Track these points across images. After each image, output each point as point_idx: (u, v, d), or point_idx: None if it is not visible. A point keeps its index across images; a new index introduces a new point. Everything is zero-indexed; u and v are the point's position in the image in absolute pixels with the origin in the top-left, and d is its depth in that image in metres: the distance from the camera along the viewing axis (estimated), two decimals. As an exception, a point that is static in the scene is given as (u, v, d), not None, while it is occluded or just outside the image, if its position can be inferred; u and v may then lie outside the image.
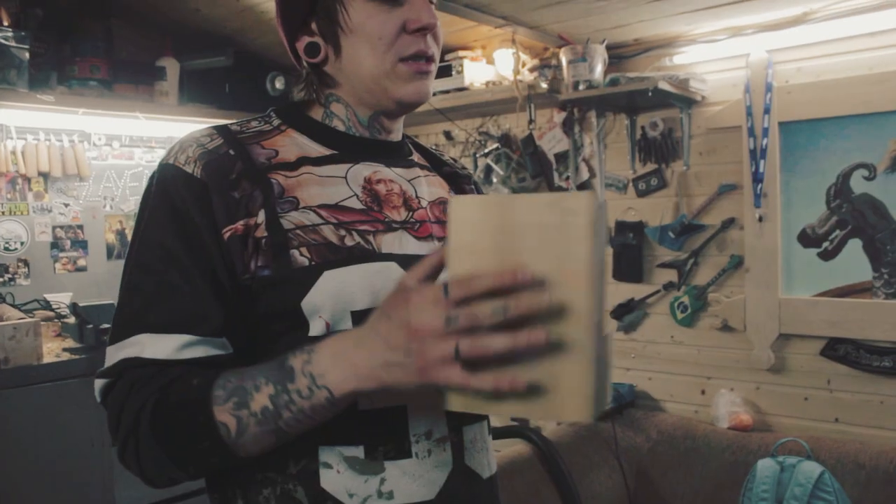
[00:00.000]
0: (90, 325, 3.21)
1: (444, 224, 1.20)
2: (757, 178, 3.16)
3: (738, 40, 3.19)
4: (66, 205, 3.66)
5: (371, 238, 1.09)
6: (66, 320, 3.41)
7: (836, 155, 3.05)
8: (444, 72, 3.55)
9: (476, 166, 3.85)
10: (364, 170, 1.14)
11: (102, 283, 3.73)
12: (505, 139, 3.82)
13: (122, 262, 3.80)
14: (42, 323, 3.14)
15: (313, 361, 0.94)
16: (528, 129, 3.60)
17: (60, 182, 3.63)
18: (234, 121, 1.16)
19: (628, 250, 3.51)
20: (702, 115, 3.33)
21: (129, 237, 3.75)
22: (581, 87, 3.21)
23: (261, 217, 1.03)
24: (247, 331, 1.05)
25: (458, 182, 1.33)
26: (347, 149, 1.15)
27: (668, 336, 3.48)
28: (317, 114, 1.18)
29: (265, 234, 1.03)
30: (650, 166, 3.48)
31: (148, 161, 3.93)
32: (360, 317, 1.01)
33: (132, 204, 3.86)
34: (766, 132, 3.13)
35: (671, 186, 3.44)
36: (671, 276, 3.42)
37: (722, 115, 3.28)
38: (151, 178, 1.09)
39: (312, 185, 1.09)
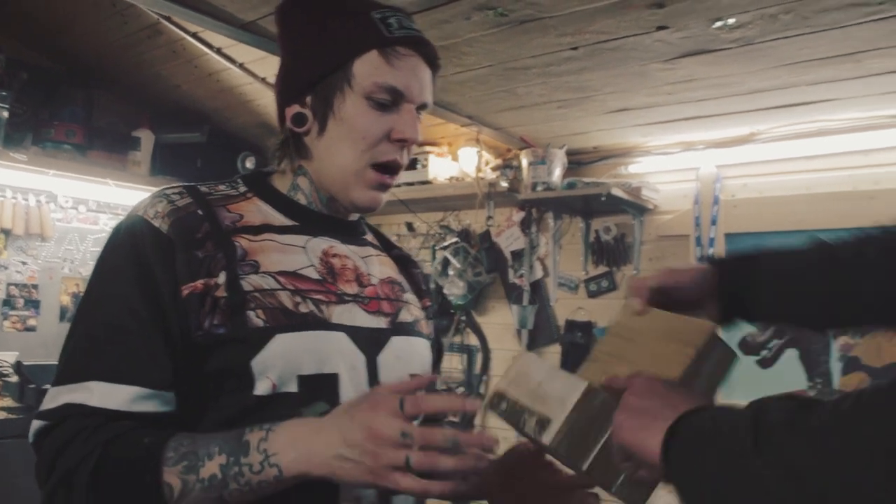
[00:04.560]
0: (32, 385, 3.17)
1: (392, 301, 1.28)
2: (702, 286, 3.29)
3: (690, 154, 3.38)
4: (24, 263, 3.67)
5: (324, 307, 1.14)
6: (7, 379, 3.37)
7: (776, 268, 3.19)
8: (410, 165, 3.67)
9: (434, 258, 3.95)
10: (322, 243, 1.21)
11: (51, 344, 3.70)
12: (464, 234, 3.94)
13: (73, 327, 3.81)
14: (-19, 381, 3.11)
15: (270, 440, 0.97)
16: (486, 225, 3.73)
17: (21, 240, 3.65)
18: (204, 183, 1.22)
19: (576, 349, 3.59)
20: (653, 222, 3.49)
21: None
22: (539, 188, 3.36)
23: (221, 278, 1.07)
24: (191, 388, 1.06)
25: (407, 266, 1.41)
26: (308, 222, 1.22)
27: (612, 436, 3.52)
28: (282, 185, 1.24)
29: (224, 294, 1.06)
30: (602, 269, 3.61)
31: (113, 227, 3.97)
32: (305, 381, 1.07)
33: (91, 268, 3.88)
34: (712, 242, 3.29)
35: (621, 289, 3.55)
36: (617, 375, 3.49)
37: (672, 223, 3.44)
38: (119, 227, 1.13)
39: (273, 252, 1.14)
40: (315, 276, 1.17)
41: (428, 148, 3.75)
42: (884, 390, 0.70)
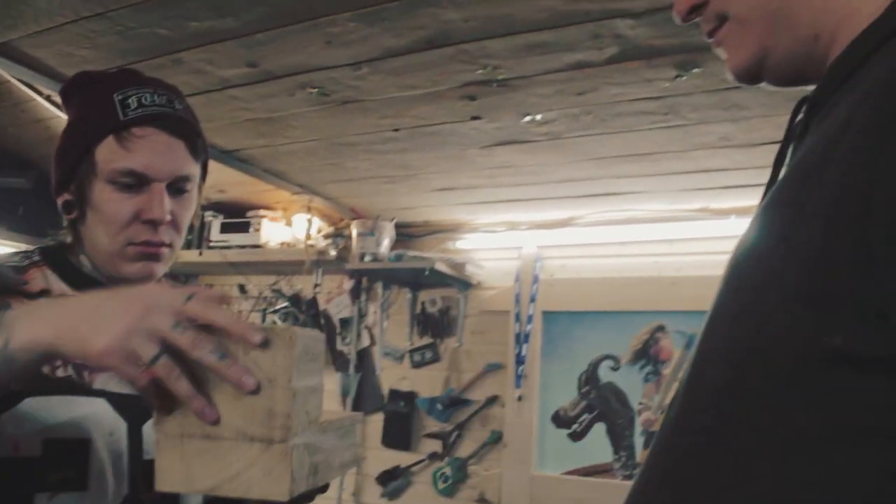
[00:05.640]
0: None
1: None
2: (519, 360, 3.43)
3: (514, 234, 3.55)
4: None
5: (86, 373, 1.14)
6: None
7: (588, 345, 3.38)
8: (242, 228, 3.69)
9: (264, 322, 3.93)
10: None
11: None
12: (295, 299, 3.94)
13: None
14: None
15: (5, 310, 0.91)
16: (314, 292, 3.76)
17: None
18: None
19: (399, 418, 3.64)
20: (477, 297, 3.62)
21: None
22: (367, 258, 3.43)
23: None
24: None
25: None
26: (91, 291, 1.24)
27: (429, 506, 3.57)
28: (73, 257, 1.26)
29: None
30: (427, 340, 3.70)
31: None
32: (50, 445, 1.07)
33: None
34: (530, 319, 3.44)
35: (444, 361, 3.65)
36: (436, 446, 3.56)
37: (494, 299, 3.57)
38: None
39: None
40: None
41: (262, 212, 3.75)
42: None
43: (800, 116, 0.76)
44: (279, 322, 3.83)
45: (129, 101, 1.20)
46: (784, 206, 0.65)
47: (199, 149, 1.26)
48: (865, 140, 0.57)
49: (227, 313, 0.82)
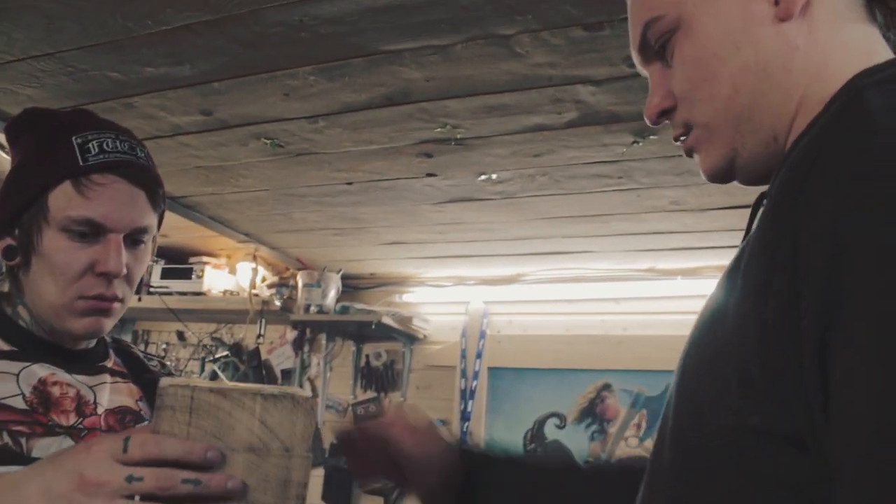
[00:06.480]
0: None
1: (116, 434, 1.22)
2: (465, 417, 3.39)
3: (461, 289, 3.54)
4: None
5: (23, 440, 1.05)
6: None
7: (534, 402, 3.35)
8: (184, 274, 3.60)
9: (203, 371, 3.82)
10: (41, 371, 1.13)
11: None
12: (236, 348, 3.85)
13: None
14: None
15: None
16: (257, 342, 3.68)
17: None
18: None
19: (340, 473, 3.54)
20: (422, 351, 3.58)
21: None
22: (312, 310, 3.37)
23: None
24: None
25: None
26: (28, 348, 1.14)
27: (368, 566, 3.48)
28: (9, 308, 1.18)
29: None
30: (370, 393, 3.63)
31: None
32: None
33: None
34: (476, 375, 3.41)
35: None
36: (378, 503, 3.48)
37: (440, 353, 3.54)
38: None
39: None
40: (21, 405, 1.08)
41: (206, 259, 3.67)
42: None
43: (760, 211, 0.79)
44: (220, 372, 3.73)
45: (90, 145, 1.12)
46: (717, 299, 0.70)
47: (159, 199, 1.20)
48: (762, 235, 0.63)
49: (173, 443, 0.79)
